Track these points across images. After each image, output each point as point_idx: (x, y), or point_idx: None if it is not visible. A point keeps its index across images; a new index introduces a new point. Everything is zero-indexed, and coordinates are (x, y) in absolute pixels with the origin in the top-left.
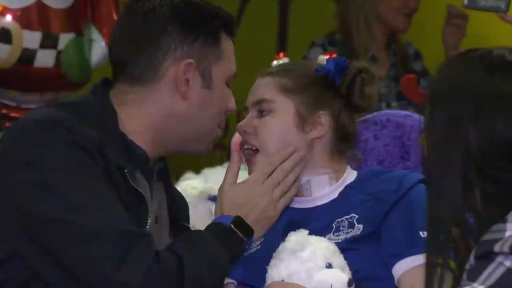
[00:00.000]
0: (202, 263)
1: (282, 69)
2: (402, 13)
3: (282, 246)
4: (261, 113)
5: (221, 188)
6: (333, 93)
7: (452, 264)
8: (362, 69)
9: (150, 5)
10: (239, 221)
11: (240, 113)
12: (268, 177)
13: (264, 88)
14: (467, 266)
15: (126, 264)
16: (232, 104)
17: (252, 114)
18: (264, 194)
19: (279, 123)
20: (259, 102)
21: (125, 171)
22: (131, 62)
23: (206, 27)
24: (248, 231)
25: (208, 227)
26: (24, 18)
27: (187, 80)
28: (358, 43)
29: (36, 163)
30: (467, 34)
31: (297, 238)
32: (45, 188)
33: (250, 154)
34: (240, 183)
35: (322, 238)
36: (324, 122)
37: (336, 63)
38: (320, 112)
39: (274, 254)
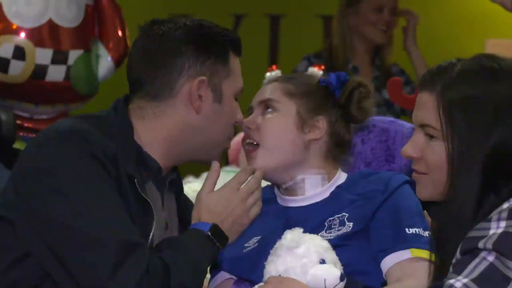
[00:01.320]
0: (186, 271)
1: (288, 77)
2: (378, 28)
3: (278, 243)
4: (266, 111)
5: (199, 195)
6: (332, 103)
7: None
8: (361, 83)
9: (165, 28)
10: (215, 229)
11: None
12: (241, 186)
13: (271, 90)
14: (453, 261)
15: (120, 273)
16: (240, 116)
17: (256, 112)
18: (239, 202)
19: (281, 120)
20: (265, 101)
21: (135, 180)
22: (149, 80)
23: (217, 48)
24: (223, 238)
25: (188, 233)
26: (37, 36)
27: (200, 96)
28: (338, 55)
29: (54, 171)
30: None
31: (293, 235)
32: (58, 194)
33: (250, 149)
34: (216, 190)
35: (315, 236)
36: (321, 126)
37: (337, 77)
38: (319, 117)
39: (271, 251)
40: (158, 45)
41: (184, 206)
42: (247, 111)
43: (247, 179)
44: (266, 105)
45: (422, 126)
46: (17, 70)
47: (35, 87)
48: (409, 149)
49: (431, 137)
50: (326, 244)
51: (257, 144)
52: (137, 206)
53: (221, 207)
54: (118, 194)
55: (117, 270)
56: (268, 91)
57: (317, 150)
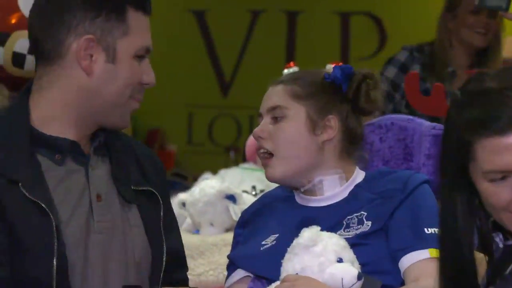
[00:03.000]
0: None
1: (292, 77)
2: (476, 31)
3: (296, 242)
4: (275, 119)
5: None
6: (341, 98)
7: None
8: (367, 75)
9: None
10: None
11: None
12: None
13: (277, 95)
14: (506, 273)
15: None
16: (147, 77)
17: (266, 120)
18: None
19: (292, 127)
20: (273, 108)
21: (20, 185)
22: (41, 41)
23: (110, 3)
24: None
25: None
26: None
27: (90, 55)
28: (439, 57)
29: None
30: None
31: (310, 234)
32: None
33: (265, 157)
34: None
35: (333, 234)
36: (333, 125)
37: (342, 70)
38: (330, 116)
39: (288, 249)
40: (47, 1)
41: (119, 170)
42: (258, 117)
43: None
44: (275, 112)
45: None
46: (33, 65)
47: None
48: None
49: None
50: (343, 242)
51: (271, 153)
52: (30, 210)
53: None
54: None
55: None
56: (274, 97)
57: (332, 149)
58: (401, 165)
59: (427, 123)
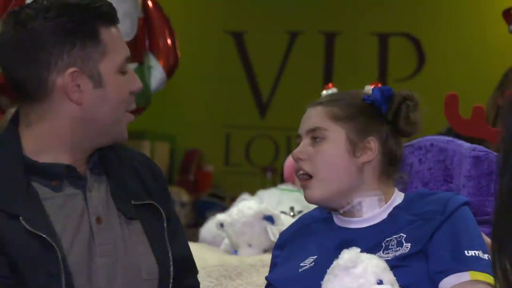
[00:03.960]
0: None
1: (331, 99)
2: None
3: (335, 263)
4: (315, 140)
5: None
6: (380, 120)
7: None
8: (407, 96)
9: (22, 18)
10: None
11: (291, 139)
12: None
13: (317, 117)
14: None
15: None
16: (134, 85)
17: (305, 141)
18: None
19: (332, 149)
20: (313, 130)
21: (20, 218)
22: (22, 81)
23: (82, 29)
24: None
25: None
26: None
27: (78, 86)
28: None
29: None
30: None
31: (350, 255)
32: None
33: (304, 179)
34: None
35: (373, 256)
36: (373, 147)
37: (382, 92)
38: (370, 138)
39: (328, 270)
40: (18, 42)
41: (118, 186)
42: (296, 139)
43: None
44: (314, 133)
45: None
46: None
47: None
48: None
49: None
50: (383, 264)
51: (310, 175)
52: (32, 243)
53: None
54: None
55: None
56: (314, 118)
57: (371, 171)
58: (440, 187)
59: (467, 145)
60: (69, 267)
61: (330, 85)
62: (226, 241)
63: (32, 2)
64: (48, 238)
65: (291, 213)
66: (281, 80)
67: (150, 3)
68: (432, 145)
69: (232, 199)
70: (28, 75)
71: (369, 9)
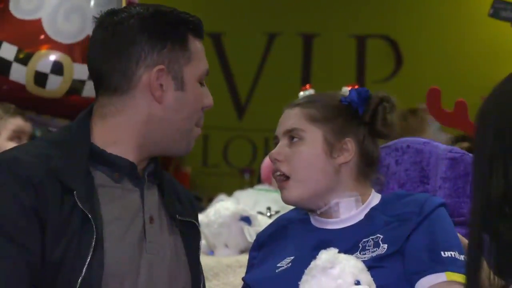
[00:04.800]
0: None
1: (309, 100)
2: None
3: (313, 264)
4: (292, 141)
5: None
6: (357, 121)
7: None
8: (384, 98)
9: (119, 18)
10: None
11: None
12: None
13: (294, 118)
14: None
15: None
16: (208, 100)
17: (283, 142)
18: None
19: (309, 150)
20: (290, 131)
21: (75, 193)
22: (107, 73)
23: (173, 33)
24: None
25: None
26: (75, 52)
27: (161, 85)
28: None
29: None
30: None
31: (328, 256)
32: None
33: (282, 180)
34: None
35: (351, 256)
36: (350, 148)
37: (359, 93)
38: (346, 139)
39: (305, 271)
40: (112, 36)
41: (169, 198)
42: (273, 140)
43: None
44: (292, 134)
45: None
46: (55, 85)
47: (71, 103)
48: None
49: None
50: (361, 265)
51: (288, 176)
52: (75, 219)
53: None
54: (28, 227)
55: None
56: (291, 119)
57: (348, 172)
58: (417, 188)
59: (443, 146)
60: (118, 254)
61: (307, 86)
62: (202, 241)
63: (128, 6)
64: (91, 218)
65: (268, 214)
66: (259, 82)
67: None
68: (408, 146)
69: (210, 200)
70: (116, 67)
71: (347, 11)
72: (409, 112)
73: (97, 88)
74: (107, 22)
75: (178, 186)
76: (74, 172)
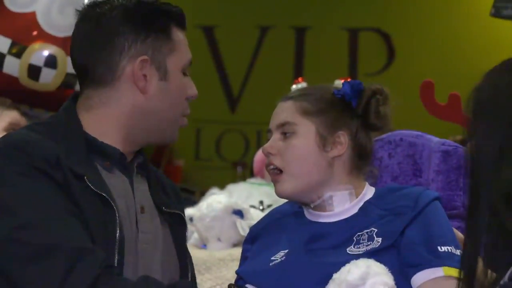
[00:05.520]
0: None
1: (302, 93)
2: None
3: (342, 276)
4: (285, 135)
5: None
6: (350, 114)
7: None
8: (377, 91)
9: (102, 10)
10: None
11: (261, 134)
12: None
13: (287, 111)
14: (501, 282)
15: (71, 281)
16: (192, 91)
17: (276, 136)
18: None
19: (302, 144)
20: (283, 124)
21: (85, 178)
22: (91, 65)
23: (157, 24)
24: None
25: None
26: (69, 45)
27: (144, 76)
28: None
29: None
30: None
31: (361, 272)
32: (0, 211)
33: (275, 174)
34: None
35: (382, 268)
36: (343, 141)
37: (352, 86)
38: (339, 132)
39: (330, 281)
40: (95, 27)
41: (155, 190)
42: (267, 133)
43: None
44: (284, 128)
45: None
46: (48, 78)
47: (65, 97)
48: None
49: None
50: (391, 281)
51: (281, 170)
52: (94, 202)
53: None
54: (65, 200)
55: (66, 279)
56: (284, 113)
57: (342, 165)
58: (410, 181)
59: (436, 139)
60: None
61: (299, 79)
62: (195, 235)
63: None
64: (109, 199)
65: (261, 207)
66: (251, 75)
67: None
68: (401, 139)
69: (202, 194)
70: (100, 59)
71: (340, 4)
72: None
73: (81, 80)
74: (90, 15)
75: (164, 178)
76: (78, 159)
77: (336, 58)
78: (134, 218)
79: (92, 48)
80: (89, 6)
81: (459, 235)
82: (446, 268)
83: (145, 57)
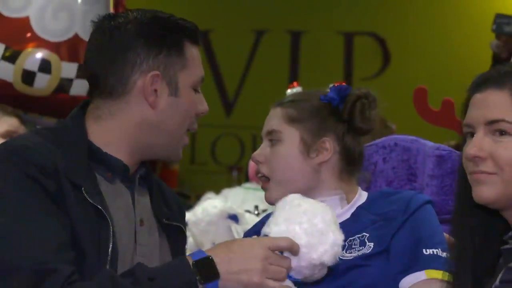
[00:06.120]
0: None
1: (290, 100)
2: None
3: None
4: (272, 143)
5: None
6: (337, 119)
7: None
8: (361, 95)
9: (116, 22)
10: (206, 261)
11: (256, 138)
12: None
13: (274, 119)
14: (492, 287)
15: None
16: (202, 107)
17: (264, 143)
18: (263, 258)
19: (286, 151)
20: (270, 132)
21: (82, 188)
22: (102, 76)
23: (170, 39)
24: (210, 273)
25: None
26: (63, 50)
27: (155, 90)
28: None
29: None
30: None
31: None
32: None
33: (264, 181)
34: (249, 240)
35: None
36: (328, 147)
37: (338, 91)
38: (325, 138)
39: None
40: (109, 40)
41: (157, 202)
42: (261, 138)
43: (288, 247)
44: (271, 136)
45: (492, 122)
46: (43, 83)
47: (58, 101)
48: (473, 150)
49: (502, 133)
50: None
51: (268, 177)
52: (89, 213)
53: (240, 247)
54: (54, 210)
55: None
56: (271, 120)
57: (330, 170)
58: (404, 186)
59: (430, 143)
60: (117, 243)
61: (294, 83)
62: (190, 240)
63: (126, 11)
64: (103, 211)
65: (256, 212)
66: (246, 79)
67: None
68: (396, 144)
69: (198, 198)
70: (112, 71)
71: (335, 8)
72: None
73: (92, 90)
74: (104, 26)
75: (167, 190)
76: (78, 168)
77: (331, 62)
78: (133, 230)
79: (104, 60)
80: (105, 17)
81: (451, 240)
82: (429, 271)
83: (156, 72)
